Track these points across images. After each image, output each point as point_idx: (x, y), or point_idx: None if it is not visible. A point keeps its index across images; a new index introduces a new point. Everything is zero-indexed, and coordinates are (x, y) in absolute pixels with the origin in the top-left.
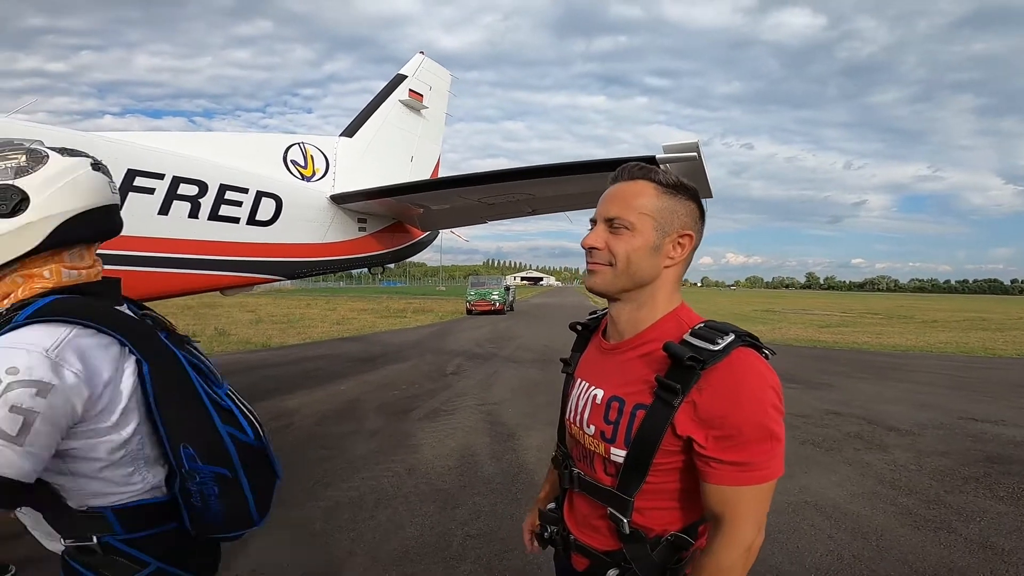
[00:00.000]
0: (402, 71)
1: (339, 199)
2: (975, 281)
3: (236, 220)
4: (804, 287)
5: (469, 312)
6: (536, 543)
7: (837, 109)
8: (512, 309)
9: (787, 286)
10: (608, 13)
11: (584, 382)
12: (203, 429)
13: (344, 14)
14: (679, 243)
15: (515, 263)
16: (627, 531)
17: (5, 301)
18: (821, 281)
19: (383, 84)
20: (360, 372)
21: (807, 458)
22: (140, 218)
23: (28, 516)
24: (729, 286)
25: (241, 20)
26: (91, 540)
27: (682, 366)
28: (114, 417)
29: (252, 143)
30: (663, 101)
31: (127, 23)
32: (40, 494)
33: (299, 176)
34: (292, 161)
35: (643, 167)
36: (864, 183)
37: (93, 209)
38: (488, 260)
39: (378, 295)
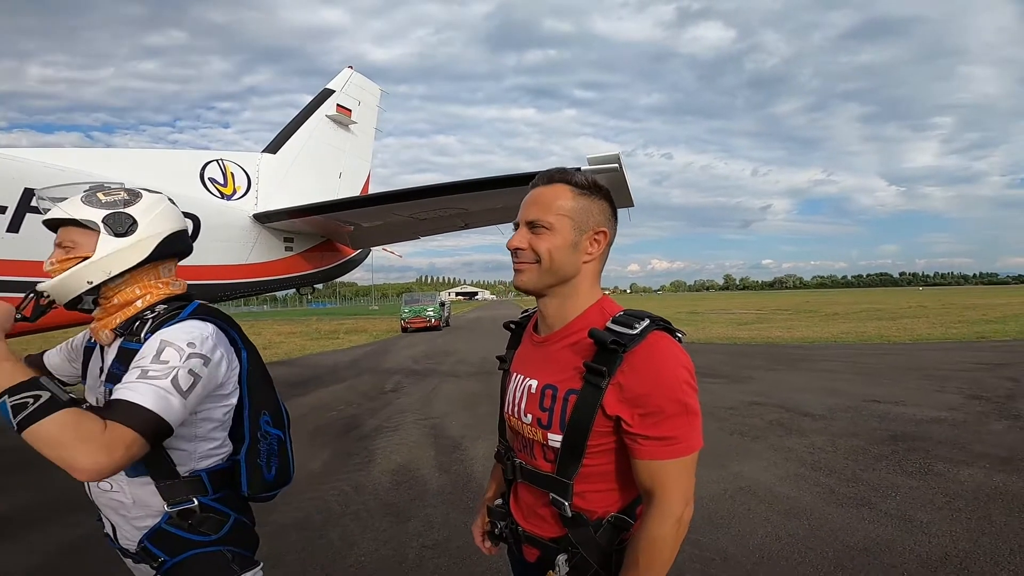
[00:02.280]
0: (329, 85)
1: (263, 218)
2: (868, 275)
3: None
4: (723, 288)
5: (404, 330)
6: (488, 542)
7: (745, 119)
8: (448, 324)
9: (708, 288)
10: (540, 27)
11: (519, 375)
12: (274, 401)
13: (268, 26)
14: (595, 239)
15: (449, 279)
16: (569, 514)
17: (128, 308)
18: (737, 282)
19: (309, 98)
20: (292, 396)
21: (738, 447)
22: (40, 242)
23: (127, 497)
24: (656, 291)
25: (151, 30)
26: (192, 502)
27: (606, 350)
28: (230, 387)
29: (165, 160)
30: (590, 113)
31: (20, 31)
32: (158, 463)
33: (218, 195)
34: (210, 179)
35: (560, 171)
36: (769, 188)
37: (178, 231)
38: (422, 277)
39: (306, 317)
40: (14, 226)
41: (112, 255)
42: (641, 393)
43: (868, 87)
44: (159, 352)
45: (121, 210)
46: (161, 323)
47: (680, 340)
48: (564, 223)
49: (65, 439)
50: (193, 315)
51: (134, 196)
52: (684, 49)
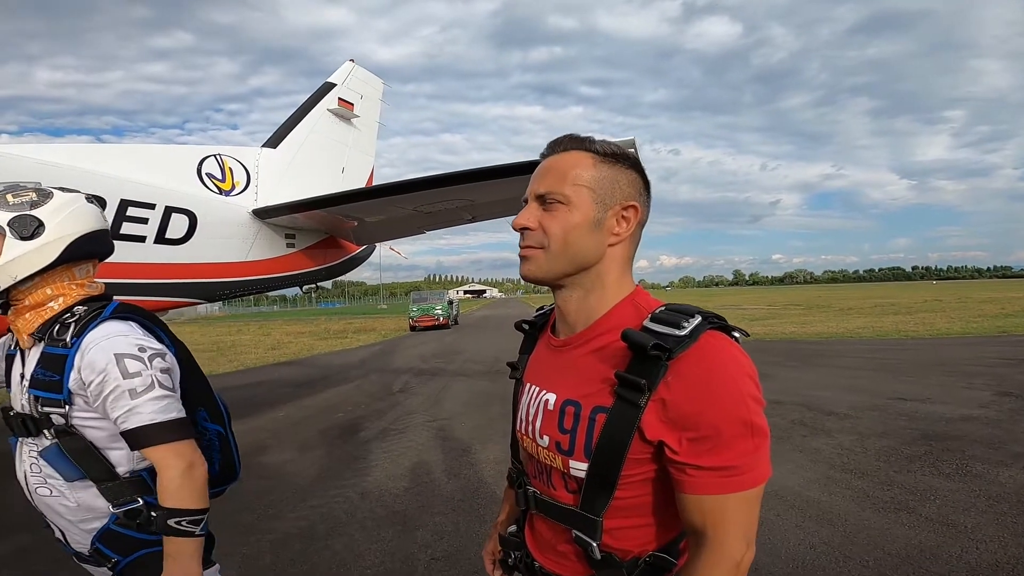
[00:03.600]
0: (331, 79)
1: (263, 213)
2: (880, 270)
3: (141, 239)
4: (732, 284)
5: (413, 328)
6: (500, 571)
7: (752, 114)
8: (456, 323)
9: (717, 284)
10: (545, 24)
11: (534, 387)
12: (209, 396)
13: (273, 27)
14: (623, 216)
15: (457, 277)
16: (598, 556)
17: (42, 309)
18: (747, 277)
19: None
20: (300, 397)
21: None
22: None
23: (70, 501)
24: (665, 287)
25: (158, 32)
26: (137, 502)
27: (645, 357)
28: (175, 379)
29: (161, 155)
30: (597, 110)
31: (26, 35)
32: (94, 465)
33: (216, 190)
34: (208, 174)
35: (577, 137)
36: (778, 183)
37: (92, 232)
38: (430, 275)
39: (315, 317)
40: None
41: (16, 260)
42: (692, 412)
43: (877, 81)
44: (123, 371)
45: (27, 212)
46: (84, 326)
47: (738, 340)
48: (583, 196)
49: (195, 500)
50: (114, 315)
51: (44, 197)
52: (690, 45)
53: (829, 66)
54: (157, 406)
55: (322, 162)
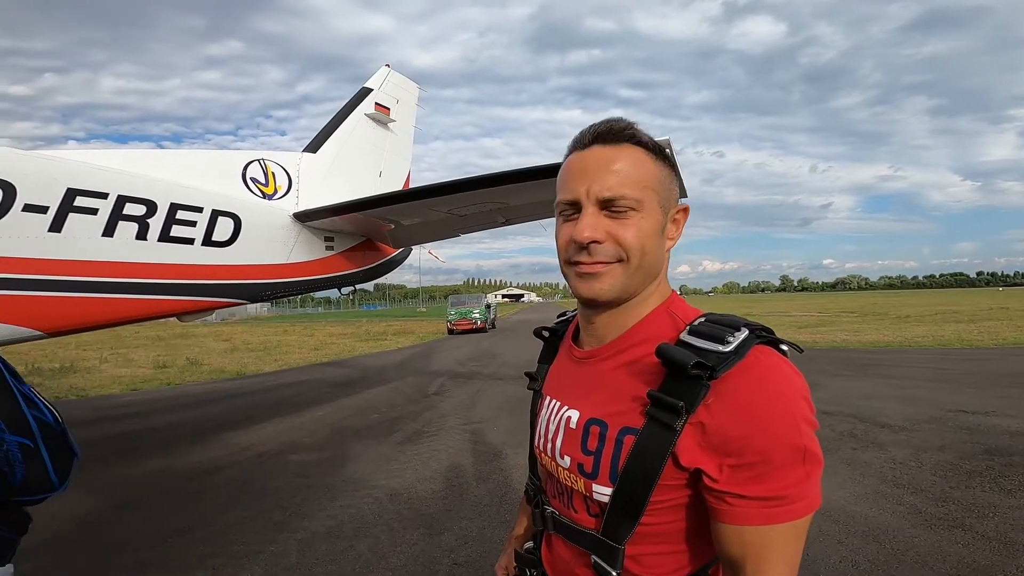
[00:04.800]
0: (367, 84)
1: (303, 217)
2: (942, 275)
3: (190, 241)
4: (779, 290)
5: (451, 332)
6: None
7: (801, 114)
8: (494, 327)
9: (763, 290)
10: (582, 27)
11: (554, 401)
12: (9, 407)
13: (317, 34)
14: (676, 220)
15: (496, 281)
16: None
17: None
18: (795, 283)
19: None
20: (339, 397)
21: None
22: (82, 241)
23: None
24: (708, 293)
25: (211, 41)
26: None
27: (684, 376)
28: None
29: (207, 160)
30: (637, 112)
31: (92, 44)
32: None
33: (260, 194)
34: (252, 178)
35: (624, 125)
36: (830, 185)
37: None
38: (468, 279)
39: (357, 319)
40: (56, 226)
41: None
42: (736, 436)
43: (935, 79)
44: None
45: None
46: None
47: (787, 355)
48: (652, 200)
49: None
50: None
51: None
52: (733, 45)
53: (883, 64)
54: None
55: (360, 166)
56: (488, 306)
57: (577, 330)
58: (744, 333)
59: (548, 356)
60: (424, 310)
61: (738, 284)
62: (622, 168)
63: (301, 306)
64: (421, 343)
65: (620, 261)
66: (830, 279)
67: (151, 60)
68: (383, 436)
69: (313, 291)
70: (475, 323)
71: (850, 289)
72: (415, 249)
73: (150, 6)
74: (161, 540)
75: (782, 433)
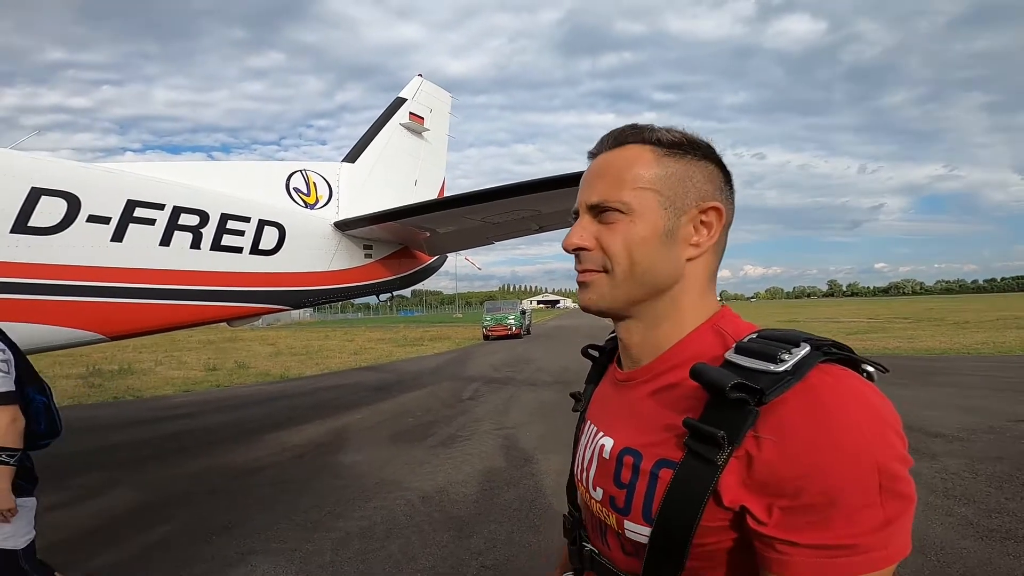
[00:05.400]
0: (401, 94)
1: (343, 225)
2: (1004, 279)
3: (239, 250)
4: (826, 295)
5: (486, 338)
6: None
7: (846, 113)
8: (529, 333)
9: (809, 295)
10: (612, 30)
11: (593, 426)
12: (35, 377)
13: (352, 44)
14: (703, 222)
15: (531, 287)
16: None
17: None
18: (844, 288)
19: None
20: (376, 401)
21: None
22: (142, 250)
23: None
24: (749, 298)
25: (253, 52)
26: None
27: (726, 402)
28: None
29: (254, 171)
30: (672, 115)
31: (145, 57)
32: None
33: (302, 204)
34: (295, 189)
35: (633, 126)
36: (880, 186)
37: None
38: (504, 285)
39: (395, 324)
40: (118, 236)
41: None
42: (793, 475)
43: (990, 74)
44: None
45: None
46: None
47: (873, 379)
48: (648, 201)
49: (12, 442)
50: None
51: None
52: (769, 44)
53: (932, 61)
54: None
55: (396, 175)
56: (523, 312)
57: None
58: (805, 349)
59: (595, 377)
60: (460, 316)
61: (782, 289)
62: (613, 171)
63: (342, 311)
64: (457, 348)
65: (605, 271)
66: (882, 283)
67: (199, 72)
68: (417, 440)
69: (353, 298)
70: (510, 329)
71: (904, 294)
72: (451, 256)
73: (196, 19)
74: (205, 536)
75: (851, 472)
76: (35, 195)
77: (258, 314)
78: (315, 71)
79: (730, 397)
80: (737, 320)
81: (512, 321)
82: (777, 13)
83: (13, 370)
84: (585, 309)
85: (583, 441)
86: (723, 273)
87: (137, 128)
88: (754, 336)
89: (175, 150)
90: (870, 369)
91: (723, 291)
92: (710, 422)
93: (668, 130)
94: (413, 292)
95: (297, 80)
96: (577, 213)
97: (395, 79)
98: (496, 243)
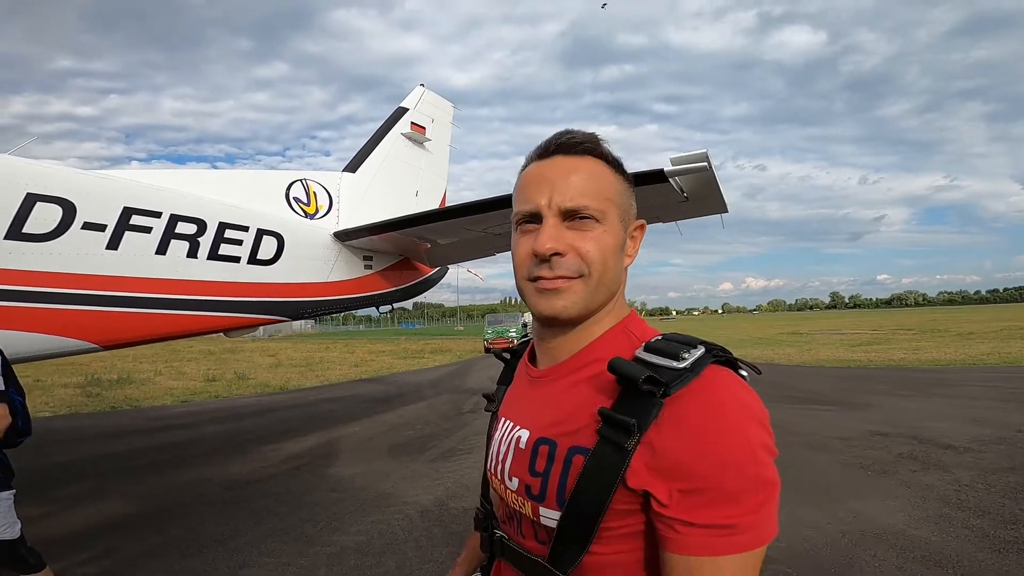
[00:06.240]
0: (403, 104)
1: (343, 236)
2: (1006, 290)
3: (236, 259)
4: (829, 307)
5: (487, 351)
6: None
7: (847, 124)
8: None
9: (811, 307)
10: (614, 42)
11: (508, 421)
12: (15, 379)
13: (356, 55)
14: (634, 236)
15: None
16: None
17: None
18: (846, 300)
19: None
20: (375, 413)
21: (857, 483)
22: (137, 258)
23: None
24: (751, 311)
25: (259, 62)
26: None
27: (636, 393)
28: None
29: (253, 180)
30: (673, 127)
31: (151, 66)
32: None
33: (302, 213)
34: (295, 198)
35: (593, 138)
36: (881, 197)
37: None
38: (506, 298)
39: (396, 336)
40: (113, 243)
41: None
42: (686, 460)
43: (988, 84)
44: None
45: None
46: None
47: (746, 379)
48: (613, 214)
49: None
50: None
51: None
52: (769, 55)
53: (930, 70)
54: None
55: (397, 185)
56: (525, 325)
57: (534, 350)
58: (700, 351)
59: (507, 377)
60: (461, 329)
61: (784, 302)
62: (585, 178)
63: (343, 323)
64: (458, 361)
65: (581, 276)
66: (885, 295)
67: (205, 82)
68: (417, 453)
69: (352, 309)
70: (511, 342)
71: (907, 305)
72: (453, 268)
73: (203, 28)
74: (198, 549)
75: (735, 459)
76: (30, 201)
77: (255, 325)
78: (320, 82)
79: (641, 388)
80: (643, 324)
81: (514, 334)
82: (777, 24)
83: (1, 373)
84: (552, 317)
85: (497, 436)
86: (725, 286)
87: (143, 137)
88: (660, 338)
89: (180, 160)
90: (743, 373)
91: (724, 303)
92: (622, 411)
93: (608, 148)
94: (414, 304)
95: (302, 91)
96: (534, 216)
97: (399, 91)
98: (498, 255)
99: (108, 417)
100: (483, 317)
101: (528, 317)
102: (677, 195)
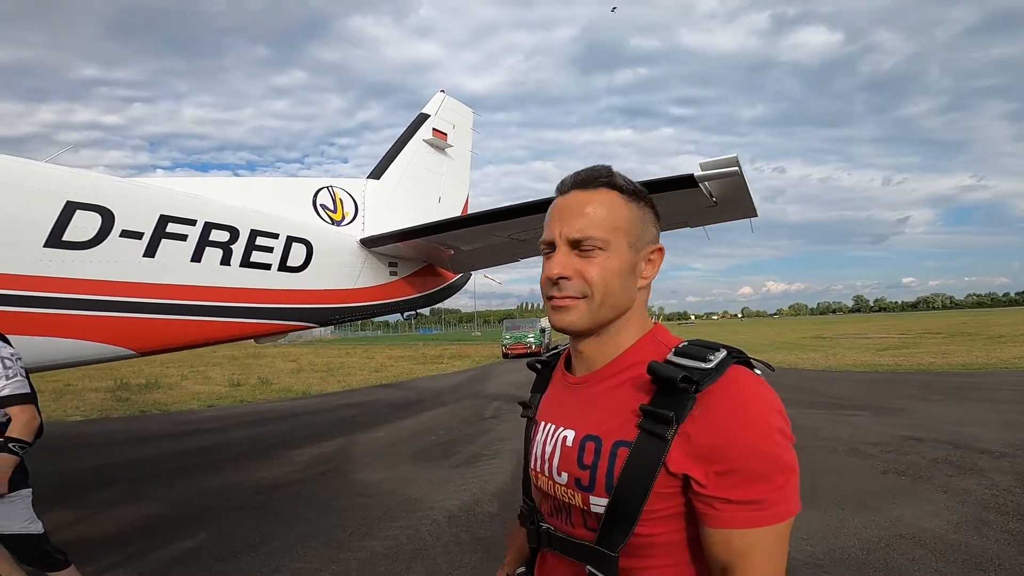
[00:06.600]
0: (424, 110)
1: (369, 242)
2: None
3: (267, 266)
4: (853, 311)
5: (506, 356)
6: None
7: (868, 125)
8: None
9: (834, 311)
10: (627, 46)
11: (549, 424)
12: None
13: (372, 62)
14: (650, 259)
15: None
16: None
17: None
18: (871, 303)
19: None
20: (397, 418)
21: (894, 488)
22: (174, 265)
23: None
24: (772, 315)
25: (277, 70)
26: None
27: (673, 390)
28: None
29: (281, 187)
30: (689, 130)
31: (173, 74)
32: None
33: (329, 220)
34: (322, 205)
35: (604, 170)
36: (905, 198)
37: None
38: (523, 304)
39: (414, 342)
40: (150, 251)
41: None
42: (719, 445)
43: (1011, 82)
44: (1, 361)
45: None
46: None
47: (760, 375)
48: (620, 240)
49: (28, 436)
50: None
51: None
52: (785, 56)
53: (951, 70)
54: (17, 384)
55: (420, 192)
56: (543, 330)
57: (569, 359)
58: (723, 353)
59: (541, 386)
60: (479, 334)
61: (806, 305)
62: (592, 211)
63: (361, 329)
64: (476, 367)
65: (585, 297)
66: (911, 298)
67: (225, 90)
68: (441, 458)
69: (378, 316)
70: (530, 347)
71: (934, 308)
72: (471, 273)
73: (222, 37)
74: (232, 554)
75: (758, 443)
76: (70, 209)
77: (286, 331)
78: (337, 89)
79: (678, 386)
80: (668, 333)
81: (532, 339)
82: (792, 25)
83: (25, 368)
84: (561, 329)
85: (539, 438)
86: (745, 290)
87: (167, 146)
88: (686, 343)
89: (203, 168)
90: (758, 372)
91: (744, 308)
92: (661, 406)
93: (624, 178)
94: (432, 310)
95: (319, 98)
96: (551, 245)
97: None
98: (518, 260)
99: (138, 421)
100: (500, 323)
101: (545, 323)
102: (706, 199)
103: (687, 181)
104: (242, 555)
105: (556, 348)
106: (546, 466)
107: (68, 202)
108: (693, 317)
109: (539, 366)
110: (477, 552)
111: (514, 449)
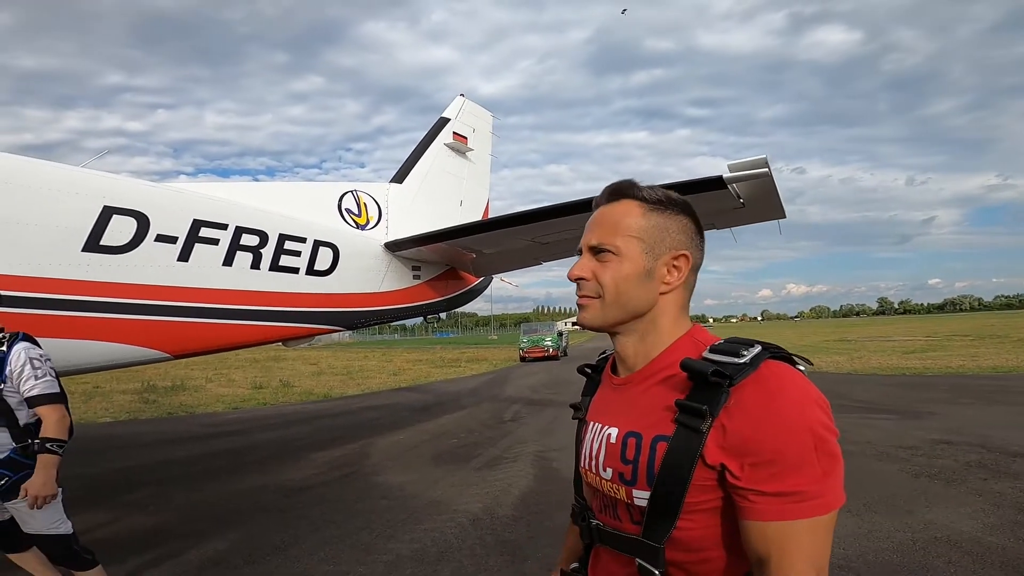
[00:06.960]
0: (445, 114)
1: (393, 246)
2: None
3: (296, 270)
4: (877, 313)
5: (523, 359)
6: None
7: (890, 124)
8: (566, 354)
9: (858, 313)
10: (642, 47)
11: (597, 423)
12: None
13: (387, 67)
14: (674, 266)
15: (566, 308)
16: None
17: None
18: (895, 305)
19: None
20: (418, 421)
21: (927, 492)
22: (206, 269)
23: None
24: (793, 317)
25: (294, 76)
26: (28, 441)
27: (706, 385)
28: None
29: (307, 192)
30: (706, 131)
31: (195, 80)
32: (10, 419)
33: (354, 224)
34: (347, 209)
35: (626, 183)
36: (930, 198)
37: None
38: (539, 307)
39: (432, 346)
40: (184, 255)
41: None
42: (752, 437)
43: None
44: (31, 362)
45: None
46: (13, 341)
47: (803, 372)
48: (632, 247)
49: (63, 434)
50: (25, 338)
51: None
52: (804, 56)
53: (976, 67)
54: (47, 384)
55: (442, 196)
56: (560, 334)
57: (615, 363)
58: (757, 348)
59: (590, 389)
60: (495, 338)
61: (828, 308)
62: (609, 221)
63: (379, 332)
64: (494, 370)
65: (599, 297)
66: (937, 300)
67: (245, 96)
68: (463, 461)
69: (401, 319)
70: (547, 351)
71: (961, 310)
72: (493, 277)
73: (241, 44)
74: (261, 556)
75: (791, 435)
76: (107, 214)
77: (313, 335)
78: (353, 94)
79: (710, 380)
80: (707, 332)
81: (549, 343)
82: (810, 24)
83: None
84: (581, 325)
85: (588, 438)
86: (764, 292)
87: (190, 152)
88: (722, 341)
89: (225, 173)
90: (802, 368)
91: (764, 310)
92: (696, 400)
93: (652, 189)
94: (448, 314)
95: (336, 103)
96: (581, 251)
97: (429, 101)
98: (540, 264)
99: (165, 423)
100: (516, 326)
101: (562, 326)
102: (733, 200)
103: (716, 183)
104: (271, 557)
105: (605, 353)
106: (593, 463)
107: (105, 207)
108: (711, 320)
109: (588, 370)
110: (503, 555)
111: (534, 452)
